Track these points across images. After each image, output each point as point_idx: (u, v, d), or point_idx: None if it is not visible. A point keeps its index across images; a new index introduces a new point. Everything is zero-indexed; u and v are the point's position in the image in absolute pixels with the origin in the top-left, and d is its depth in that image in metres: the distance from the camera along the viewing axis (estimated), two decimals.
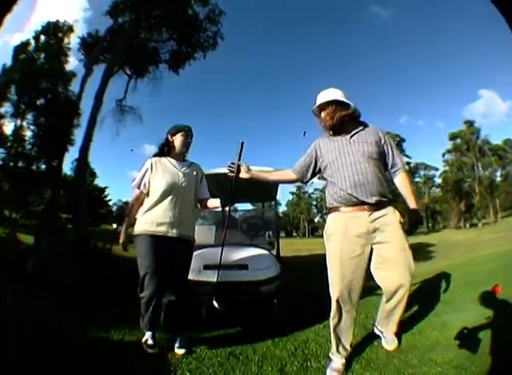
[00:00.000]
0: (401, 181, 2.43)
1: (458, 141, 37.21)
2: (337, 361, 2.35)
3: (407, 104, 78.17)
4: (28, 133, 13.50)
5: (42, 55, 13.93)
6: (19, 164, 13.31)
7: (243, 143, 2.65)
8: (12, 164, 13.21)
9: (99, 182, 40.71)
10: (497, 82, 50.84)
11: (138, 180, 2.78)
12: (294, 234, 72.77)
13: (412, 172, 42.90)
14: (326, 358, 2.45)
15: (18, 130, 13.44)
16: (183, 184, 2.78)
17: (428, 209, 43.69)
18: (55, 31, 14.34)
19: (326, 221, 2.47)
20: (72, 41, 15.04)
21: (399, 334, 2.62)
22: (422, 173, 43.93)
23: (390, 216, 2.29)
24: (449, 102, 78.60)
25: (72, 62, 15.30)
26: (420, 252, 15.50)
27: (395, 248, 2.24)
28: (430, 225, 44.41)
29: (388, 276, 2.27)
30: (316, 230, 70.09)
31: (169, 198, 2.70)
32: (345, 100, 2.42)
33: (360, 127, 2.45)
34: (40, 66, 13.68)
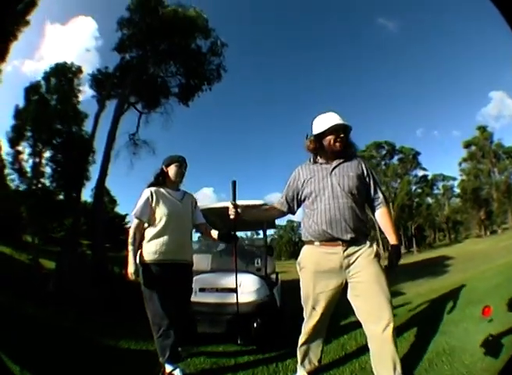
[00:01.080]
0: (382, 216, 2.35)
1: (473, 148, 36.16)
2: (300, 373, 2.48)
3: (421, 116, 77.46)
4: (47, 170, 14.86)
5: (54, 97, 15.18)
6: (39, 195, 14.39)
7: (234, 182, 2.62)
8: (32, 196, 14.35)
9: (120, 209, 41.90)
10: (504, 81, 49.64)
11: (139, 210, 2.85)
12: None
13: (430, 185, 42.05)
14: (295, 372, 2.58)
15: (37, 167, 14.72)
16: (182, 213, 2.97)
17: (449, 221, 42.67)
18: (64, 73, 15.55)
19: (300, 253, 2.45)
20: (83, 79, 16.26)
21: None
22: (441, 184, 42.51)
23: (365, 251, 2.23)
24: (461, 109, 77.31)
25: (85, 98, 16.52)
26: (438, 266, 15.54)
27: (369, 281, 2.17)
28: (452, 237, 43.24)
29: (365, 310, 2.20)
30: None
31: (172, 227, 2.84)
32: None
33: (344, 159, 2.39)
34: (53, 108, 14.92)
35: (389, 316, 2.11)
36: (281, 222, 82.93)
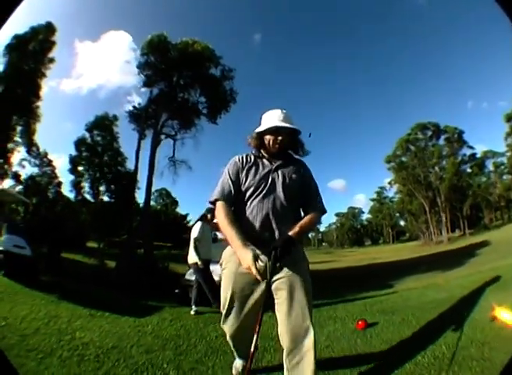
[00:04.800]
0: (308, 218, 2.06)
1: None
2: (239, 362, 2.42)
3: (469, 88, 73.49)
4: (105, 198, 20.81)
5: (99, 148, 19.98)
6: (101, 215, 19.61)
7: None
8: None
9: (181, 210, 46.61)
10: None
11: (195, 234, 5.33)
12: (380, 241, 71.53)
13: (480, 163, 40.10)
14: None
15: (96, 197, 20.40)
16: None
17: (501, 199, 40.45)
18: (103, 123, 20.05)
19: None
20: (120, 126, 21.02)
21: None
22: (491, 161, 39.69)
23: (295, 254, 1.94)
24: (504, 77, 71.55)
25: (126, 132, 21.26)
26: (464, 257, 16.18)
27: (298, 290, 1.91)
28: (506, 216, 40.78)
29: (291, 324, 1.87)
30: (403, 235, 67.30)
31: (206, 246, 5.44)
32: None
33: (286, 160, 2.18)
34: (100, 156, 20.04)
35: (313, 331, 1.96)
36: (342, 209, 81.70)
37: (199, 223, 5.48)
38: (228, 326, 2.08)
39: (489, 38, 60.33)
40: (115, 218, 19.66)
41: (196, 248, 5.27)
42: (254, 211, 2.00)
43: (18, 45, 16.54)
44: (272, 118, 2.12)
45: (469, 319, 3.64)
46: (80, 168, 20.28)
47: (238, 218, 2.00)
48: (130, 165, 20.55)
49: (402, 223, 64.09)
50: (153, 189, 19.19)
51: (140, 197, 20.34)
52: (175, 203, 47.62)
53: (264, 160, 2.16)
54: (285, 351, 1.90)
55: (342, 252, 51.89)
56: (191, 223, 43.95)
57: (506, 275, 5.94)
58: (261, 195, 2.02)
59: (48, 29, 17.67)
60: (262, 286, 1.91)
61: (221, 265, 2.16)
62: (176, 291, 6.48)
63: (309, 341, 1.85)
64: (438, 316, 4.01)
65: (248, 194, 2.05)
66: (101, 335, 3.39)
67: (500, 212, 43.03)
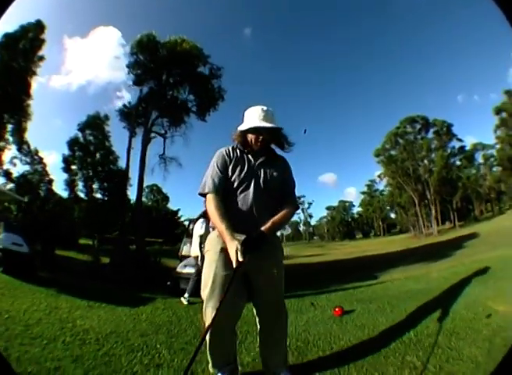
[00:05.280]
0: (282, 213, 2.12)
1: (504, 114, 33.45)
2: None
3: (461, 81, 74.59)
4: (97, 195, 21.39)
5: (92, 147, 20.39)
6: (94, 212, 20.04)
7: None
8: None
9: (172, 206, 46.97)
10: None
11: (198, 231, 5.81)
12: (371, 234, 72.30)
13: (469, 155, 40.30)
14: None
15: (90, 194, 20.81)
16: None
17: (492, 191, 40.93)
18: (95, 122, 20.34)
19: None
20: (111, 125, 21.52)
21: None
22: (481, 153, 40.51)
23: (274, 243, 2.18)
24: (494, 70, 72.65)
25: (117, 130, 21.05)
26: (449, 249, 15.94)
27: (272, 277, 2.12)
28: (496, 208, 41.61)
29: (267, 296, 2.16)
30: (393, 227, 68.68)
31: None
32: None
33: (270, 156, 2.28)
34: (92, 154, 20.42)
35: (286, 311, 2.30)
36: (333, 203, 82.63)
37: (202, 220, 5.78)
38: (210, 309, 2.01)
39: (482, 32, 61.08)
40: (108, 215, 20.07)
41: (200, 244, 5.55)
42: (238, 205, 2.10)
43: (8, 44, 16.62)
44: (253, 117, 2.16)
45: (442, 308, 3.76)
46: (74, 167, 20.78)
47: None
48: (122, 163, 20.96)
49: (392, 215, 65.16)
50: (144, 185, 19.56)
51: (132, 194, 20.85)
52: (166, 199, 48.36)
53: (249, 156, 2.22)
54: (257, 311, 2.22)
55: (333, 245, 52.20)
56: (183, 219, 44.33)
57: (492, 267, 6.04)
58: (244, 190, 2.12)
59: (38, 27, 17.76)
60: (241, 271, 1.91)
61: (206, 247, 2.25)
62: (168, 283, 6.81)
63: (281, 306, 2.20)
64: (413, 305, 4.18)
65: (232, 188, 2.14)
66: (100, 322, 3.69)
67: (491, 203, 43.68)
